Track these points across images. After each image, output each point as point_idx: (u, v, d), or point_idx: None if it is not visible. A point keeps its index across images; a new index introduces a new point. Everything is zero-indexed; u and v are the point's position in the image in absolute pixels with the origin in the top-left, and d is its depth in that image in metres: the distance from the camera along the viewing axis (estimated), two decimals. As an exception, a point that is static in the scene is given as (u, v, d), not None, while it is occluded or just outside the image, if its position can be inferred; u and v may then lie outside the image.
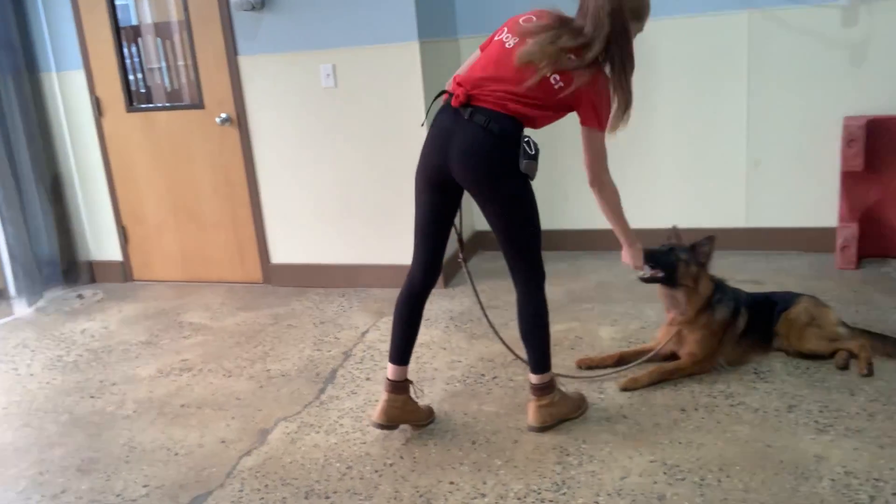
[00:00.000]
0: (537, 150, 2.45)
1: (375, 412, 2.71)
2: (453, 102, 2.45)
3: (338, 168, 4.38)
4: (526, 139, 2.44)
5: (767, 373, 3.00)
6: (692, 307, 2.98)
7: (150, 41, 4.68)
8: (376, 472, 2.56)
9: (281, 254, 4.66)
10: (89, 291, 4.90)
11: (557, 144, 4.67)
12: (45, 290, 4.83)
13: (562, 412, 2.74)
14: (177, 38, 4.57)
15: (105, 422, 3.11)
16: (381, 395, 2.73)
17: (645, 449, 2.55)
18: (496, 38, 2.51)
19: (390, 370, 2.72)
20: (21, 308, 4.62)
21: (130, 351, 3.85)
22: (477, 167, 2.44)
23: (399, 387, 2.71)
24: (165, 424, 3.04)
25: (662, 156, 4.56)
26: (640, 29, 2.49)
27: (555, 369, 3.11)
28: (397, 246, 4.30)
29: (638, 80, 4.75)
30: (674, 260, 2.94)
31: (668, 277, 2.95)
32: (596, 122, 2.44)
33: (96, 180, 4.90)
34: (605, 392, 2.96)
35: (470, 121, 2.41)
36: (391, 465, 2.59)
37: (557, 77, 2.38)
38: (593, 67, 2.38)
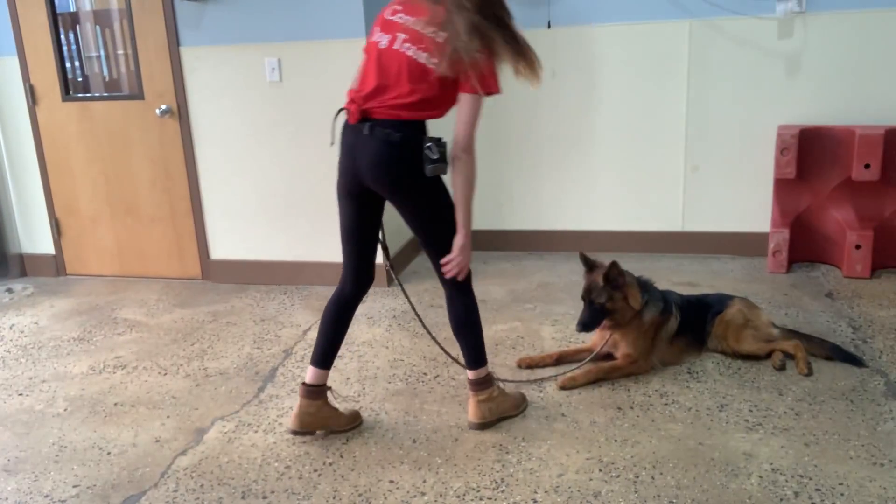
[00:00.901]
0: (442, 152, 2.40)
1: (292, 418, 2.70)
2: (350, 120, 2.46)
3: (281, 163, 4.33)
4: (428, 145, 2.39)
5: (700, 373, 3.09)
6: (626, 318, 3.06)
7: (88, 29, 4.54)
8: (315, 471, 2.54)
9: (221, 249, 4.58)
10: (19, 286, 4.74)
11: (502, 146, 4.72)
12: (-28, 284, 4.65)
13: (502, 409, 2.76)
14: (117, 26, 4.45)
15: (34, 420, 3.01)
16: (297, 400, 2.71)
17: (582, 447, 2.59)
18: (371, 40, 2.48)
19: (309, 373, 2.69)
20: (-55, 302, 4.45)
21: (62, 347, 3.74)
22: (386, 179, 2.45)
23: (313, 392, 2.68)
24: (98, 423, 2.96)
25: (603, 159, 4.64)
26: None
27: (497, 368, 3.15)
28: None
29: (580, 85, 4.84)
30: (605, 311, 3.02)
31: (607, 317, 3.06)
32: (477, 87, 2.34)
33: (29, 170, 4.73)
34: (544, 391, 3.00)
35: (371, 136, 2.41)
36: (330, 464, 2.58)
37: (435, 60, 2.34)
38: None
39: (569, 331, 3.58)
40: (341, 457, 2.61)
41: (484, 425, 2.73)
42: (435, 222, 2.53)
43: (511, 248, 4.84)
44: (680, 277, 4.14)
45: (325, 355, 2.69)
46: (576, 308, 3.78)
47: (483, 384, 2.71)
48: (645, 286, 3.12)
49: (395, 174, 2.44)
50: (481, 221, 4.84)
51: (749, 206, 4.47)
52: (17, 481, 2.58)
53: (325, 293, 4.34)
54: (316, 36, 4.08)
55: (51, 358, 3.61)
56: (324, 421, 2.71)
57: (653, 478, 2.40)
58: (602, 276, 3.01)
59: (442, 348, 3.05)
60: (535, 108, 4.62)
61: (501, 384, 2.83)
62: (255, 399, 3.08)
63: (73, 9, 4.53)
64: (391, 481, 2.46)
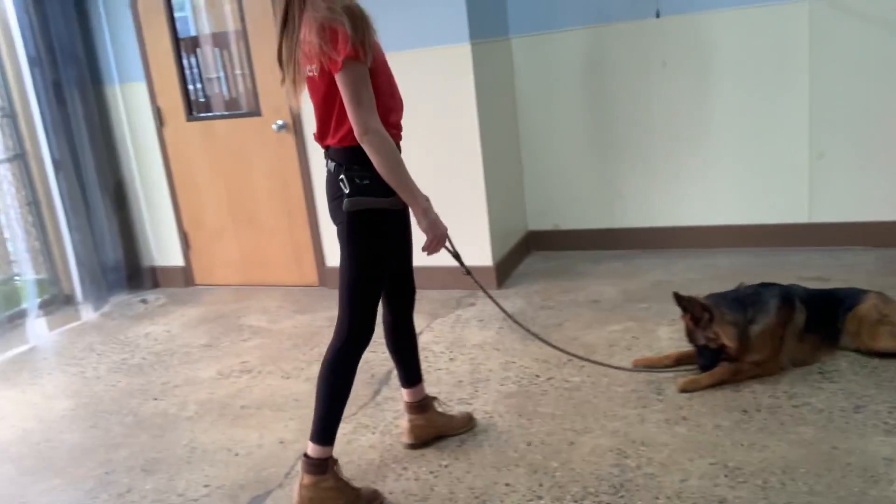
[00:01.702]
0: (358, 185, 2.21)
1: (403, 433, 2.72)
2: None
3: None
4: (341, 177, 2.23)
5: (833, 372, 2.90)
6: (736, 346, 2.88)
7: (208, 51, 4.79)
8: (431, 473, 2.56)
9: (336, 257, 4.69)
10: (152, 296, 5.04)
11: (611, 141, 4.62)
12: (111, 296, 4.98)
13: None
14: (234, 47, 4.67)
15: (168, 423, 3.19)
16: (403, 416, 2.73)
17: (706, 451, 2.49)
18: None
19: (404, 393, 2.70)
20: (88, 313, 4.78)
21: (192, 354, 3.94)
22: (329, 207, 2.40)
23: (416, 407, 2.67)
24: (226, 425, 3.10)
25: (721, 151, 4.44)
26: None
27: (612, 370, 3.07)
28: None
29: (692, 75, 4.65)
30: (714, 352, 2.89)
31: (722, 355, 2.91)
32: (341, 56, 2.08)
33: (158, 188, 5.03)
34: (663, 393, 2.90)
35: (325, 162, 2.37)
36: (446, 466, 2.59)
37: (311, 67, 2.19)
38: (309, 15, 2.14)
39: (687, 330, 3.45)
40: (457, 459, 2.62)
41: None
42: (345, 259, 2.34)
43: (623, 247, 4.72)
44: (808, 272, 3.90)
45: (407, 375, 2.67)
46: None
47: (316, 467, 2.31)
48: (742, 302, 2.92)
49: (330, 204, 2.37)
50: (591, 220, 4.77)
51: (882, 194, 4.17)
52: (154, 481, 2.74)
53: (437, 297, 4.40)
54: (421, 44, 4.11)
55: (182, 364, 3.82)
56: (438, 429, 2.73)
57: (783, 484, 2.27)
58: (689, 318, 2.88)
59: (551, 345, 3.01)
60: (645, 100, 4.49)
61: (353, 482, 2.42)
62: (372, 402, 3.14)
63: (193, 33, 4.79)
64: (507, 484, 2.44)
